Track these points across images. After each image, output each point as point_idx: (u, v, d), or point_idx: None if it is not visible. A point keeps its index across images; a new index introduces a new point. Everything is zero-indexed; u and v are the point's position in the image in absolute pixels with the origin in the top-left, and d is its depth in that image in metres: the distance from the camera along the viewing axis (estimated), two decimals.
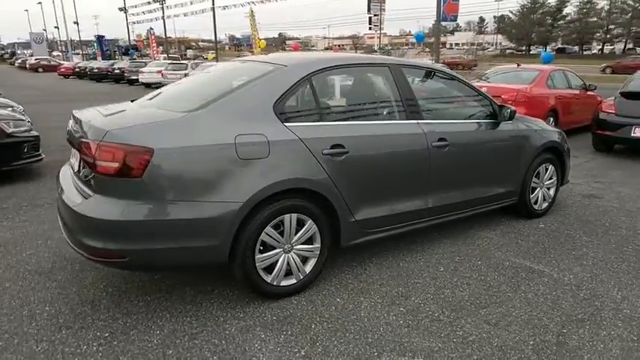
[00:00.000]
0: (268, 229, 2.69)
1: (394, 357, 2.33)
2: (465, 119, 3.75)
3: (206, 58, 49.87)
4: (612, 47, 76.81)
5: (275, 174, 2.65)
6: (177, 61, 27.46)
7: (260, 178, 2.60)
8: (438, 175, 3.45)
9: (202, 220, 2.48)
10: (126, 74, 27.34)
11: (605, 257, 3.58)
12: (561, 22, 76.96)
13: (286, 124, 2.76)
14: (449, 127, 3.51)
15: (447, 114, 3.67)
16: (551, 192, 4.51)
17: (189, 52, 74.93)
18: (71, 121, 2.99)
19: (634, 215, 4.59)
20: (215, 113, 2.60)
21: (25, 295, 2.90)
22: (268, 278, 2.77)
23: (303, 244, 2.86)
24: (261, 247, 2.70)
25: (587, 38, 74.22)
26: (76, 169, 2.78)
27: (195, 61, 27.74)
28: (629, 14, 65.29)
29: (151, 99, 3.25)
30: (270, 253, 2.75)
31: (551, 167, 4.41)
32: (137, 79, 25.16)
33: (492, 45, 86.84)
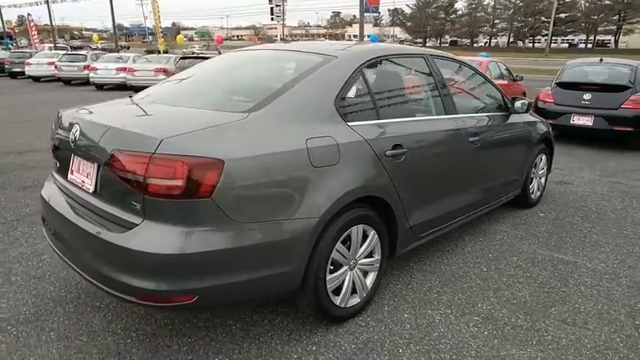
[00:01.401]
0: (338, 244, 2.34)
1: None
2: (486, 112, 3.66)
3: (96, 48, 45.50)
4: (496, 41, 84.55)
5: (347, 182, 2.31)
6: (75, 52, 24.13)
7: (334, 188, 2.24)
8: (474, 170, 3.35)
9: (278, 242, 2.07)
10: (6, 66, 23.25)
11: (615, 242, 3.74)
12: (453, 16, 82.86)
13: (349, 123, 2.41)
14: (476, 121, 3.40)
15: (471, 107, 3.55)
16: (542, 181, 4.65)
17: (75, 42, 67.67)
18: (63, 125, 2.39)
19: (608, 198, 4.91)
20: (277, 113, 2.18)
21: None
22: (337, 300, 2.43)
23: (365, 257, 2.56)
24: (331, 267, 2.35)
25: (476, 32, 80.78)
26: (91, 187, 2.16)
27: (96, 52, 24.60)
28: (511, 10, 72.17)
29: (163, 95, 2.71)
30: (339, 272, 2.42)
31: (544, 157, 4.54)
32: (22, 72, 21.43)
33: (388, 37, 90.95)
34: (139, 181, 1.85)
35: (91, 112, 2.36)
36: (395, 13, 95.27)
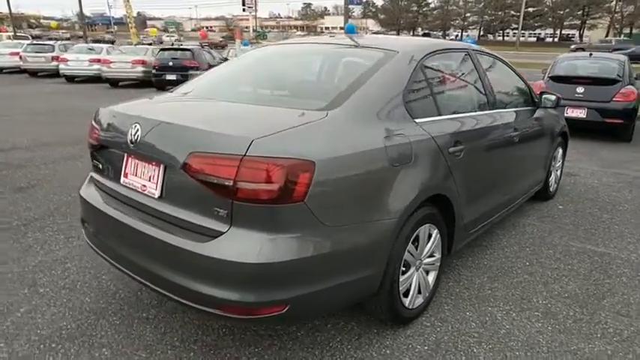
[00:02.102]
0: (409, 245, 2.30)
1: None
2: (519, 106, 3.68)
3: (68, 38, 43.52)
4: (467, 34, 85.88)
5: (420, 181, 2.27)
6: (42, 42, 22.65)
7: (410, 188, 2.20)
8: (513, 164, 3.38)
9: (363, 246, 2.02)
10: None
11: (638, 232, 3.84)
12: (425, 8, 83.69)
13: (416, 120, 2.37)
14: (514, 115, 3.42)
15: (507, 101, 3.56)
16: (558, 174, 4.74)
17: (33, 32, 64.06)
18: (113, 124, 2.26)
19: (617, 189, 5.05)
20: (353, 112, 2.10)
21: None
22: (406, 302, 2.39)
23: (428, 257, 2.53)
24: (403, 268, 2.31)
25: (448, 25, 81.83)
26: (156, 192, 2.04)
27: (65, 42, 23.20)
28: (482, 4, 73.39)
29: (217, 90, 2.62)
30: (409, 273, 2.38)
31: (561, 150, 4.62)
32: None
33: (362, 30, 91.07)
34: (227, 186, 1.75)
35: (151, 111, 2.23)
36: (367, 5, 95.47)
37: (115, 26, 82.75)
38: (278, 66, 2.94)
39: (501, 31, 74.87)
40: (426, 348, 2.30)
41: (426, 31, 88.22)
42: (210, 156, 1.79)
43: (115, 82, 16.04)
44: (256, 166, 1.71)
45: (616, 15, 57.60)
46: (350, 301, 2.16)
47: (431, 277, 2.61)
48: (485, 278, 3.02)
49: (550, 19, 66.02)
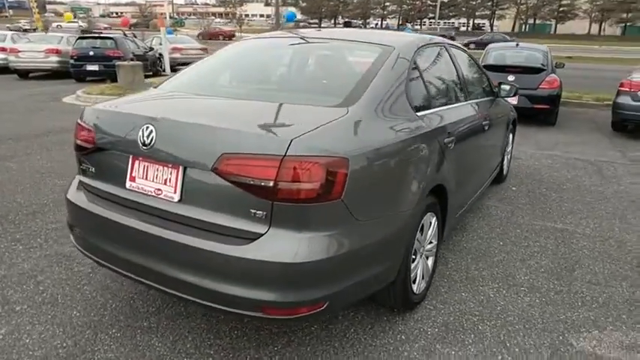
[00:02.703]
0: (417, 233, 2.40)
1: (589, 333, 2.40)
2: (485, 97, 3.90)
3: None
4: (386, 22, 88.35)
5: (428, 172, 2.37)
6: None
7: (420, 179, 2.30)
8: (485, 150, 3.61)
9: (388, 237, 2.09)
10: None
11: (585, 208, 4.28)
12: None
13: (417, 114, 2.45)
14: (484, 105, 3.63)
15: (476, 92, 3.76)
16: (509, 158, 5.11)
17: None
18: (115, 126, 2.12)
19: (556, 169, 5.56)
20: (369, 108, 2.13)
21: None
22: (414, 288, 2.49)
23: (429, 243, 2.65)
24: (413, 256, 2.40)
25: (368, 13, 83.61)
26: (176, 196, 1.93)
27: None
28: None
29: (216, 86, 2.58)
30: (417, 260, 2.48)
31: (511, 136, 4.98)
32: None
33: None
34: (267, 187, 1.71)
35: (166, 111, 2.11)
36: None
37: (10, 10, 74.64)
38: (277, 61, 2.88)
39: (419, 21, 77.94)
40: (436, 330, 2.42)
41: (347, 20, 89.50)
42: (247, 157, 1.74)
43: (24, 73, 14.57)
44: (297, 165, 1.69)
45: (521, 6, 62.35)
46: (373, 291, 2.21)
47: (430, 263, 2.73)
48: (469, 260, 3.21)
49: (464, 9, 69.90)
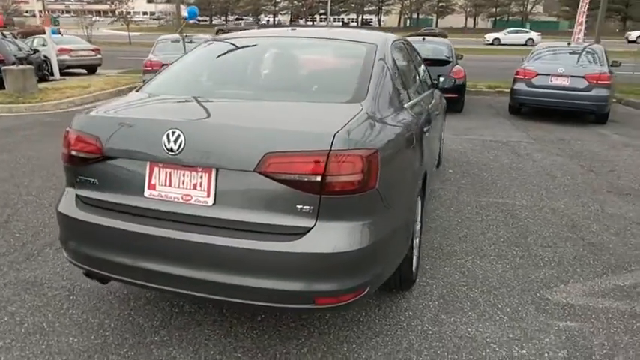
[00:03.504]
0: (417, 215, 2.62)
1: (557, 287, 2.80)
2: (430, 88, 4.24)
3: None
4: (278, 19, 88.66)
5: (423, 159, 2.61)
6: None
7: (420, 165, 2.54)
8: (436, 138, 3.96)
9: (408, 220, 2.29)
10: None
11: (513, 184, 4.87)
12: None
13: (404, 105, 2.65)
14: (431, 95, 3.97)
15: (427, 83, 4.06)
16: (442, 143, 5.60)
17: None
18: (133, 132, 2.04)
19: (479, 152, 6.21)
20: (375, 103, 2.27)
21: None
22: (413, 268, 2.71)
23: (417, 225, 2.88)
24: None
25: (260, 10, 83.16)
26: (210, 200, 1.91)
27: None
28: None
29: (213, 88, 2.58)
30: (414, 240, 2.69)
31: (445, 123, 5.46)
32: None
33: (168, 15, 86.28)
34: (315, 182, 1.78)
35: (191, 114, 2.09)
36: None
37: None
38: (271, 61, 2.88)
39: (310, 17, 79.48)
40: (436, 303, 2.67)
41: (238, 17, 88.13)
42: (292, 155, 1.79)
43: None
44: (343, 159, 1.79)
45: (405, 2, 66.62)
46: (394, 270, 2.37)
47: (416, 242, 2.97)
48: (439, 238, 3.53)
49: (353, 5, 72.73)
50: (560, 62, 8.42)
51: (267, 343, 2.32)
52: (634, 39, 38.07)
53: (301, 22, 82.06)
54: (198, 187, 1.91)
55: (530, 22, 58.69)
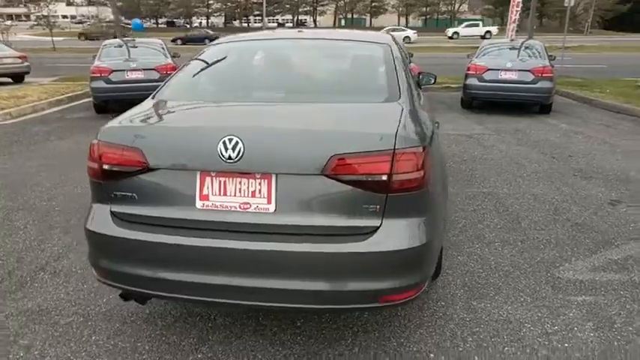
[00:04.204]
0: None
1: (563, 266, 3.00)
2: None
3: None
4: (211, 21, 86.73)
5: (439, 152, 2.70)
6: None
7: (441, 158, 2.62)
8: None
9: (443, 212, 2.36)
10: None
11: (489, 173, 5.15)
12: None
13: (420, 102, 2.74)
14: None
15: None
16: None
17: None
18: (183, 141, 1.98)
19: (446, 144, 6.47)
20: (410, 101, 2.33)
21: None
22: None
23: None
24: None
25: (192, 12, 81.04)
26: (272, 207, 1.88)
27: None
28: None
29: (238, 92, 2.53)
30: None
31: None
32: None
33: (91, 19, 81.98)
34: (381, 181, 1.82)
35: (249, 120, 2.05)
36: None
37: None
38: (294, 63, 2.86)
39: (245, 18, 78.61)
40: (462, 291, 2.79)
41: (170, 20, 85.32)
42: (359, 155, 1.81)
43: None
44: (406, 157, 1.85)
45: (339, 2, 67.68)
46: None
47: None
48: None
49: (287, 6, 72.81)
50: (506, 57, 8.96)
51: (316, 348, 2.31)
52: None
53: (236, 23, 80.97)
54: (257, 194, 1.88)
55: (457, 20, 61.73)
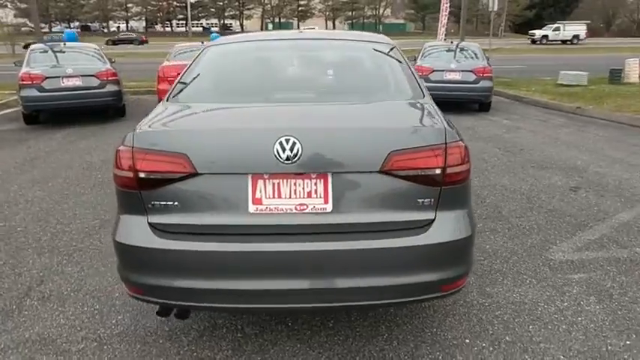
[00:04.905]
0: None
1: (551, 249, 3.26)
2: None
3: None
4: (131, 25, 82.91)
5: None
6: None
7: None
8: None
9: None
10: None
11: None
12: None
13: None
14: None
15: None
16: None
17: None
18: (234, 143, 1.91)
19: None
20: (430, 99, 2.43)
21: None
22: None
23: None
24: None
25: (109, 15, 76.88)
26: (329, 206, 1.87)
27: None
28: None
29: (266, 93, 2.47)
30: None
31: None
32: None
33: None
34: (436, 175, 1.89)
35: (304, 120, 2.04)
36: None
37: None
38: (310, 63, 2.84)
39: (168, 22, 76.00)
40: (473, 279, 2.93)
41: (85, 24, 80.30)
42: (415, 151, 1.87)
43: None
44: (455, 151, 1.93)
45: (266, 6, 67.58)
46: None
47: None
48: None
49: (212, 9, 71.44)
50: (449, 59, 9.49)
51: (356, 346, 2.33)
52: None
53: (158, 27, 77.98)
54: (313, 195, 1.87)
55: (382, 24, 64.15)
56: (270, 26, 70.98)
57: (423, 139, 1.90)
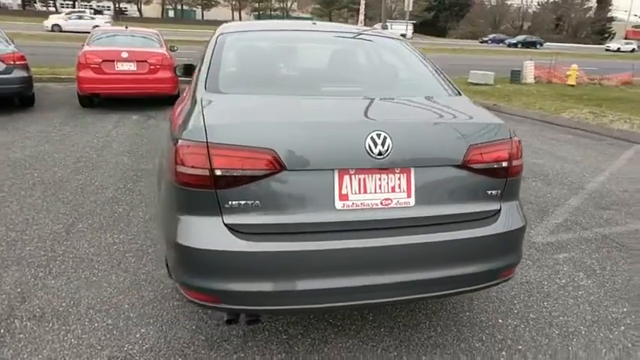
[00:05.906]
0: None
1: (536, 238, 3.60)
2: None
3: None
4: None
5: None
6: None
7: None
8: None
9: None
10: None
11: None
12: None
13: None
14: None
15: None
16: None
17: None
18: (323, 137, 1.86)
19: None
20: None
21: None
22: None
23: None
24: None
25: None
26: (412, 200, 1.91)
27: None
28: None
29: (311, 88, 2.41)
30: None
31: None
32: None
33: None
34: (504, 167, 2.03)
35: (391, 114, 2.07)
36: None
37: None
38: (346, 57, 2.79)
39: (52, 2, 68.50)
40: None
41: None
42: (489, 144, 1.99)
43: None
44: (516, 145, 2.10)
45: None
46: None
47: None
48: None
49: None
50: None
51: (404, 335, 2.40)
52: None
53: (38, 7, 69.86)
54: (397, 189, 1.90)
55: (289, 18, 64.14)
56: (171, 13, 67.36)
57: (495, 134, 2.03)
